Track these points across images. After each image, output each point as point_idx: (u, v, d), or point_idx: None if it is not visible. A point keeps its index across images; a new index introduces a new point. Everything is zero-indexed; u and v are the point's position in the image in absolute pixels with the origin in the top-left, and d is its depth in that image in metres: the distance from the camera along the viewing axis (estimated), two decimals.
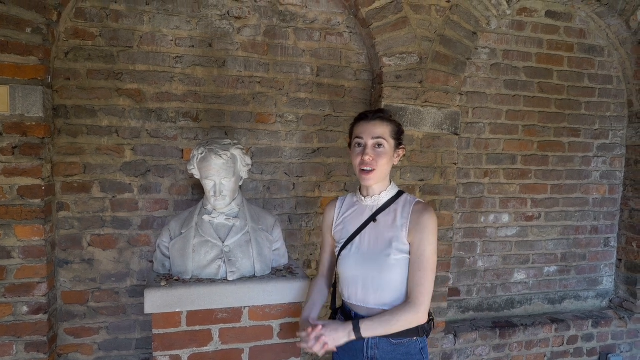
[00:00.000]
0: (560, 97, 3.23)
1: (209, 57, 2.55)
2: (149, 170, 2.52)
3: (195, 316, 1.93)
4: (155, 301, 1.86)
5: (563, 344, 3.22)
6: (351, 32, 2.76)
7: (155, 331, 1.89)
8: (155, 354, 1.89)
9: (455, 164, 2.84)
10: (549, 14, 3.14)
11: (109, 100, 2.43)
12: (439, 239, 2.84)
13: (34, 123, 2.17)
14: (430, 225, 1.59)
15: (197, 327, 1.94)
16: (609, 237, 3.49)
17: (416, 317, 1.56)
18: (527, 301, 3.34)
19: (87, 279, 2.48)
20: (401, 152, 1.69)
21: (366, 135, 1.61)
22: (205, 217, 2.05)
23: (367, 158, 1.59)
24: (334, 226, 1.80)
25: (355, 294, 1.67)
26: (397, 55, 2.66)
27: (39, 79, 2.16)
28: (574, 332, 3.23)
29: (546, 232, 3.33)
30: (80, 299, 2.48)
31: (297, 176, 2.76)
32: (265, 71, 2.64)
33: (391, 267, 1.60)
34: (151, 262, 2.50)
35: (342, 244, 1.72)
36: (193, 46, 2.52)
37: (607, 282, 3.54)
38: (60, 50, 2.34)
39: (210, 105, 2.57)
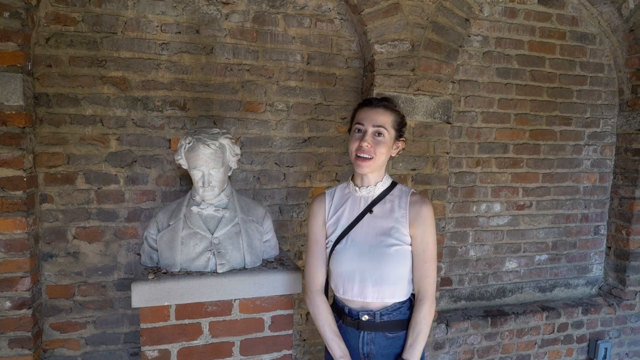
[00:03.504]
0: (552, 85, 3.22)
1: (196, 43, 2.47)
2: (135, 161, 2.45)
3: (184, 310, 1.89)
4: (143, 295, 1.82)
5: (553, 331, 3.24)
6: (342, 19, 2.70)
7: (143, 325, 1.85)
8: (143, 348, 1.85)
9: (447, 153, 2.82)
10: (542, 1, 3.11)
11: (93, 88, 2.35)
12: None
13: (13, 112, 2.09)
14: (430, 216, 1.60)
15: (187, 321, 1.90)
16: (598, 225, 3.51)
17: (431, 308, 1.61)
18: (519, 290, 3.36)
19: (72, 272, 2.42)
20: (400, 144, 1.65)
21: (367, 122, 1.56)
22: (194, 209, 2.00)
23: (364, 144, 1.54)
24: (327, 222, 1.71)
25: (351, 289, 1.62)
26: (389, 43, 2.61)
27: (19, 65, 2.07)
28: (564, 320, 3.25)
29: (537, 220, 3.33)
30: (65, 293, 2.42)
31: (288, 166, 2.71)
32: (254, 59, 2.58)
33: (391, 258, 1.57)
34: (138, 254, 2.45)
35: (335, 238, 1.65)
36: (179, 32, 2.44)
37: (597, 269, 3.56)
38: (41, 35, 2.26)
39: (198, 94, 2.51)
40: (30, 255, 2.20)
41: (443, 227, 2.88)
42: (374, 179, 1.65)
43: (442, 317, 3.02)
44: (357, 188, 1.66)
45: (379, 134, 1.56)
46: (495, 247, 3.25)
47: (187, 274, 1.92)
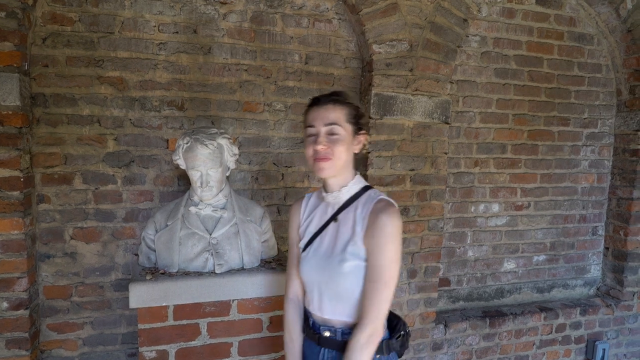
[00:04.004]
0: (550, 85, 3.22)
1: (194, 43, 2.47)
2: (133, 161, 2.44)
3: (182, 310, 1.88)
4: (141, 295, 1.81)
5: (551, 332, 3.24)
6: (340, 19, 2.70)
7: (141, 326, 1.84)
8: (141, 349, 1.84)
9: (445, 153, 2.82)
10: (540, 1, 3.11)
11: (90, 88, 2.34)
12: (430, 229, 2.83)
13: (10, 112, 2.08)
14: (387, 228, 1.34)
15: (185, 322, 1.89)
16: (596, 226, 3.51)
17: (373, 338, 1.35)
18: (517, 290, 3.36)
19: (70, 273, 2.41)
20: (362, 138, 1.46)
21: (318, 122, 1.40)
22: (192, 209, 2.00)
23: (319, 147, 1.38)
24: (300, 227, 1.60)
25: (312, 300, 1.49)
26: (387, 43, 2.61)
27: (15, 65, 2.06)
28: (562, 320, 3.25)
29: (535, 221, 3.33)
30: (63, 294, 2.41)
31: (286, 166, 2.71)
32: (252, 58, 2.58)
33: (345, 275, 1.39)
34: (136, 255, 2.44)
35: (302, 246, 1.54)
36: (177, 32, 2.43)
37: (595, 270, 3.57)
38: (38, 35, 2.25)
39: (196, 94, 2.50)
40: (27, 256, 2.18)
41: (441, 228, 2.88)
42: (337, 183, 1.47)
43: (441, 318, 3.01)
44: (325, 194, 1.51)
45: (333, 132, 1.39)
46: (493, 247, 3.25)
47: (185, 274, 1.91)
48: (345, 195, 1.47)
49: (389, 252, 1.35)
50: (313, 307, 1.49)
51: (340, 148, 1.39)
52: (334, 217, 1.48)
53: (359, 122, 1.45)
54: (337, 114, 1.40)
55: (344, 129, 1.40)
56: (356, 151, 1.47)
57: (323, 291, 1.45)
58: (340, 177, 1.46)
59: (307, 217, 1.58)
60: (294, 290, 1.60)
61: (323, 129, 1.40)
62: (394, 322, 1.53)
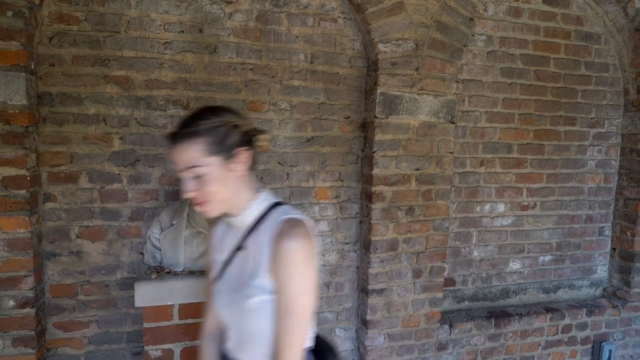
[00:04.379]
0: (556, 85, 3.20)
1: (200, 43, 2.47)
2: (138, 160, 2.45)
3: (187, 309, 1.88)
4: (146, 294, 1.82)
5: (557, 332, 3.22)
6: (346, 18, 2.69)
7: (146, 325, 1.84)
8: (146, 348, 1.85)
9: (451, 152, 2.80)
10: (547, 0, 3.09)
11: (96, 87, 2.35)
12: (435, 228, 2.82)
13: (17, 111, 2.09)
14: (292, 255, 1.13)
15: (190, 321, 1.89)
16: (603, 226, 3.49)
17: None
18: (522, 290, 3.34)
19: (75, 271, 2.41)
20: (242, 156, 1.20)
21: (178, 167, 1.18)
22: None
23: (190, 194, 1.18)
24: (214, 256, 1.39)
25: (229, 338, 1.32)
26: (393, 42, 2.60)
27: (22, 64, 2.07)
28: (568, 321, 3.23)
29: (541, 221, 3.31)
30: (69, 292, 2.42)
31: (291, 165, 2.70)
32: (257, 58, 2.57)
33: (252, 312, 1.19)
34: (142, 254, 2.44)
35: (212, 277, 1.36)
36: (183, 31, 2.44)
37: (601, 271, 3.54)
38: (44, 35, 2.25)
39: (201, 93, 2.50)
40: (33, 254, 2.19)
41: (447, 228, 2.87)
42: (237, 207, 1.25)
43: (446, 318, 3.00)
44: (229, 218, 1.29)
45: (197, 174, 1.16)
46: (499, 247, 3.23)
47: (191, 273, 1.92)
48: (249, 218, 1.25)
49: (297, 283, 1.14)
50: (230, 345, 1.32)
51: (212, 188, 1.17)
52: (241, 245, 1.26)
53: (226, 145, 1.17)
54: (192, 154, 1.15)
55: (209, 165, 1.16)
56: (240, 173, 1.21)
57: (234, 330, 1.28)
58: (236, 205, 1.24)
59: (219, 243, 1.37)
60: (210, 325, 1.44)
61: (185, 175, 1.17)
62: (323, 354, 1.35)
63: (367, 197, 2.74)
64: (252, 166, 1.26)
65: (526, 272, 3.33)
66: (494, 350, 3.09)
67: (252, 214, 1.25)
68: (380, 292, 2.76)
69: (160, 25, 2.40)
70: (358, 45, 2.74)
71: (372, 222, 2.69)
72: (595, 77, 3.29)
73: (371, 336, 2.78)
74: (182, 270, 1.94)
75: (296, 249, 1.13)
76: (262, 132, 1.27)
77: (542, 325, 3.16)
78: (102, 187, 2.41)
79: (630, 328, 3.43)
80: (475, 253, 3.18)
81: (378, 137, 2.64)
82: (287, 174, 2.70)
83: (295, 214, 1.21)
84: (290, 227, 1.16)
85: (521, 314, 3.13)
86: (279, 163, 2.68)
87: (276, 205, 1.26)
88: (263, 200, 1.26)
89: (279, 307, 1.16)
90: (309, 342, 1.27)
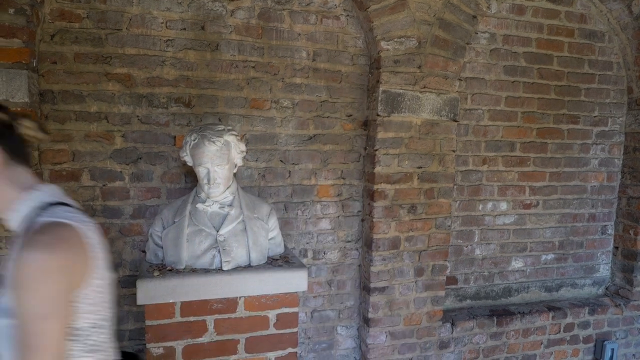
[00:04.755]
0: (559, 83, 3.18)
1: (202, 40, 2.46)
2: (140, 158, 2.45)
3: (189, 307, 1.88)
4: (148, 292, 1.82)
5: (559, 331, 3.22)
6: (348, 15, 2.68)
7: (148, 322, 1.84)
8: (148, 345, 1.85)
9: (453, 151, 2.79)
10: None
11: (98, 85, 2.34)
12: (437, 227, 2.81)
13: (19, 108, 2.08)
14: (25, 269, 0.91)
15: (192, 318, 1.89)
16: (606, 225, 3.48)
17: None
18: (525, 289, 3.33)
19: None
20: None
21: None
22: (199, 206, 2.00)
23: None
24: None
25: None
26: (395, 39, 2.59)
27: (24, 62, 2.07)
28: (570, 320, 3.23)
29: (544, 220, 3.30)
30: None
31: (293, 163, 2.70)
32: (259, 55, 2.57)
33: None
34: (144, 252, 2.44)
35: None
36: (185, 29, 2.43)
37: (604, 269, 3.53)
38: (46, 32, 2.25)
39: (203, 91, 2.49)
40: None
41: (449, 226, 2.86)
42: (4, 209, 1.08)
43: (448, 316, 3.00)
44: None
45: None
46: (501, 246, 3.22)
47: (193, 271, 1.92)
48: (14, 222, 1.06)
49: (30, 305, 0.92)
50: None
51: None
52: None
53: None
54: None
55: None
56: (10, 164, 1.04)
57: None
58: (6, 206, 1.06)
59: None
60: None
61: None
62: None
63: (369, 195, 2.74)
64: (18, 159, 1.07)
65: (528, 270, 3.32)
66: (496, 349, 3.09)
67: (15, 218, 1.05)
68: (382, 290, 2.76)
69: (162, 23, 2.39)
70: (360, 42, 2.73)
71: (374, 220, 2.69)
72: (599, 75, 3.28)
73: (373, 334, 2.78)
74: (184, 268, 1.94)
75: (31, 263, 0.91)
76: (22, 117, 1.07)
77: (544, 324, 3.16)
78: (104, 185, 2.41)
79: (632, 327, 3.42)
80: (478, 251, 3.17)
81: (380, 135, 2.63)
82: (289, 172, 2.70)
83: (60, 218, 1.00)
84: (37, 234, 0.96)
85: (523, 312, 3.12)
86: (281, 161, 2.67)
87: (51, 206, 1.04)
88: (31, 200, 1.05)
89: (18, 336, 0.93)
90: None
